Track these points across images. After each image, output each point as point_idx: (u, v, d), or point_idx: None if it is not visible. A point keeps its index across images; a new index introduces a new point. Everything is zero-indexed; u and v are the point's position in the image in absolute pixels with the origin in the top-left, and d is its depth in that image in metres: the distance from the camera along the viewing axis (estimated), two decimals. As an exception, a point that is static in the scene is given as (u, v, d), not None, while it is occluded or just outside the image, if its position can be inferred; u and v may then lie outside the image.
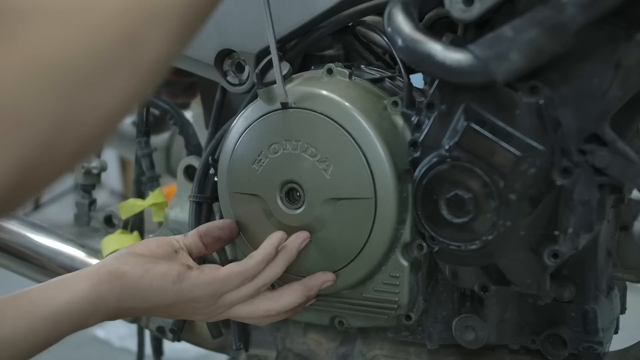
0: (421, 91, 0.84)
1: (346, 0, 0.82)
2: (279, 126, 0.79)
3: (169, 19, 0.48)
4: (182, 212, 0.99)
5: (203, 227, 0.82)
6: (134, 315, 0.79)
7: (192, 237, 0.82)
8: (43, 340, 0.70)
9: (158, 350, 1.23)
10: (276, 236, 0.79)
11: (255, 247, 0.80)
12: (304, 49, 0.87)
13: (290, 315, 0.83)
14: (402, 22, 0.68)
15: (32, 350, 0.70)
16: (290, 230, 0.80)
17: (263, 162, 0.80)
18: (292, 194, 0.80)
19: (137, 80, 0.47)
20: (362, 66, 0.87)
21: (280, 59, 0.80)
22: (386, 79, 0.84)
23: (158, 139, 1.45)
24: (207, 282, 0.75)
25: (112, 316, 0.75)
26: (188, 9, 0.50)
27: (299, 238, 0.79)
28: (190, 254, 0.81)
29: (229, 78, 0.90)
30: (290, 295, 0.79)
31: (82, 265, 1.03)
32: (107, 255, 0.92)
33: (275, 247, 0.78)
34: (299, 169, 0.79)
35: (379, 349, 0.93)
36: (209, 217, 0.92)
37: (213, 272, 0.76)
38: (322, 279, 0.80)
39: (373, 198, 0.76)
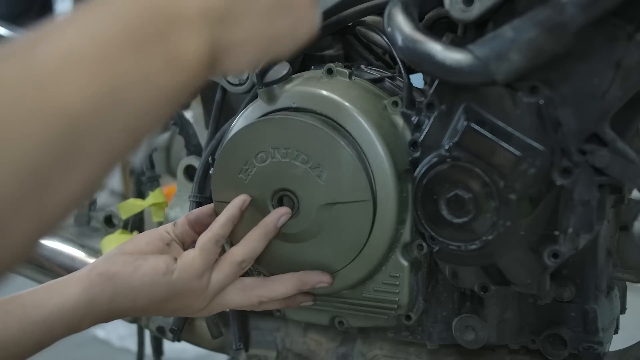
0: (421, 91, 0.85)
1: (346, 1, 0.82)
2: (264, 133, 0.78)
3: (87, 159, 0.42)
4: (182, 212, 0.99)
5: (192, 215, 0.82)
6: (126, 316, 0.79)
7: (181, 226, 0.81)
8: (35, 344, 0.70)
9: (158, 350, 1.23)
10: (239, 198, 0.79)
11: None
12: (304, 49, 0.86)
13: (284, 306, 0.83)
14: (402, 22, 0.68)
15: (24, 353, 0.70)
16: (286, 238, 0.79)
17: (250, 172, 0.79)
18: (284, 201, 0.79)
19: (40, 224, 0.42)
20: (362, 66, 0.87)
21: (280, 60, 0.81)
22: (386, 79, 0.84)
23: (158, 139, 1.45)
24: (189, 264, 0.75)
25: (105, 318, 0.75)
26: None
27: (278, 213, 0.78)
28: (183, 243, 0.81)
29: (229, 78, 0.90)
30: (283, 285, 0.79)
31: (82, 265, 1.03)
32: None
33: (238, 207, 0.78)
34: (290, 177, 0.77)
35: (379, 349, 0.93)
36: (209, 217, 0.92)
37: (191, 253, 0.76)
38: (318, 278, 0.80)
39: (373, 199, 0.76)
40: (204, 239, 0.77)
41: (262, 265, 0.81)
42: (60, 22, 0.44)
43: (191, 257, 0.76)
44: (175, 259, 0.76)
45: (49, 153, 0.39)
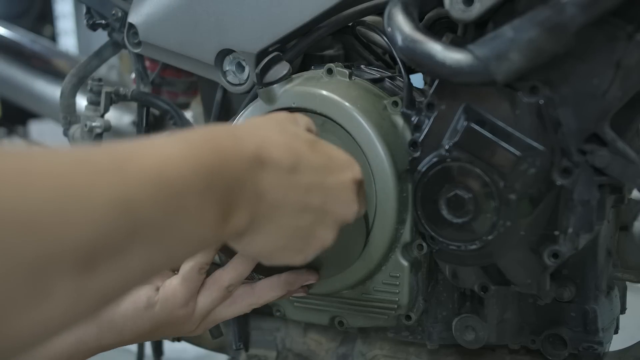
0: (421, 91, 0.84)
1: (346, 1, 0.82)
2: None
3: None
4: (182, 212, 0.99)
5: None
6: (117, 347, 0.77)
7: None
8: None
9: (158, 350, 1.23)
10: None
11: None
12: (304, 49, 0.87)
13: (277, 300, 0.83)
14: (402, 22, 0.68)
15: None
16: None
17: None
18: None
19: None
20: (362, 66, 0.87)
21: (280, 59, 0.81)
22: (386, 79, 0.84)
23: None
24: (172, 295, 0.73)
25: (96, 353, 0.74)
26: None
27: None
28: None
29: (229, 78, 0.90)
30: (271, 290, 0.78)
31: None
32: None
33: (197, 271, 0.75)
34: None
35: (379, 349, 0.93)
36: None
37: (173, 282, 0.73)
38: (304, 277, 0.78)
39: (373, 198, 0.76)
40: (186, 267, 0.73)
41: (258, 271, 0.80)
42: (146, 145, 0.47)
43: (173, 288, 0.73)
44: (158, 289, 0.73)
45: (106, 231, 0.41)
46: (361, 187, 0.67)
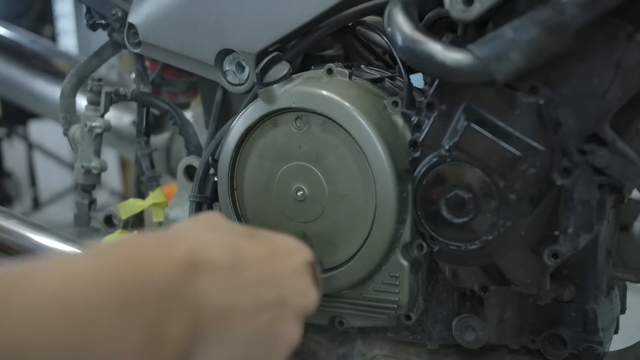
0: (421, 91, 0.84)
1: (346, 1, 0.82)
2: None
3: None
4: (182, 212, 0.99)
5: None
6: None
7: None
8: None
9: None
10: None
11: None
12: (304, 49, 0.87)
13: None
14: (402, 22, 0.68)
15: None
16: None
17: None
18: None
19: None
20: (362, 66, 0.87)
21: (280, 59, 0.81)
22: (386, 79, 0.84)
23: (158, 139, 1.45)
24: None
25: None
26: None
27: None
28: None
29: (229, 78, 0.90)
30: None
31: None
32: None
33: None
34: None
35: (379, 349, 0.93)
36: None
37: None
38: None
39: (373, 198, 0.76)
40: None
41: None
42: (48, 263, 0.41)
43: None
44: None
45: None
46: (315, 269, 0.62)
